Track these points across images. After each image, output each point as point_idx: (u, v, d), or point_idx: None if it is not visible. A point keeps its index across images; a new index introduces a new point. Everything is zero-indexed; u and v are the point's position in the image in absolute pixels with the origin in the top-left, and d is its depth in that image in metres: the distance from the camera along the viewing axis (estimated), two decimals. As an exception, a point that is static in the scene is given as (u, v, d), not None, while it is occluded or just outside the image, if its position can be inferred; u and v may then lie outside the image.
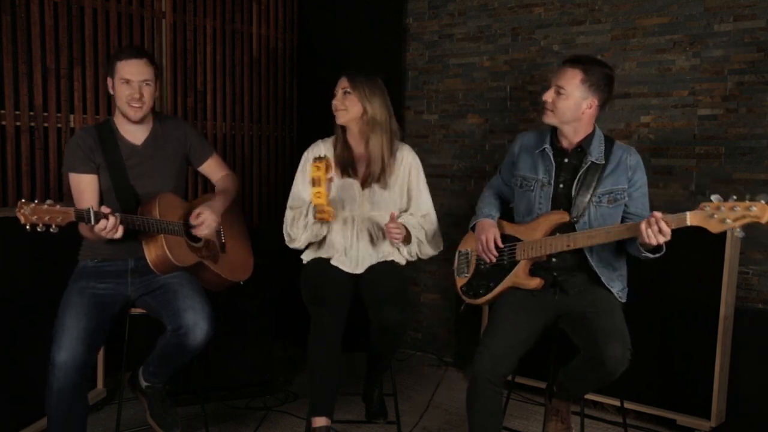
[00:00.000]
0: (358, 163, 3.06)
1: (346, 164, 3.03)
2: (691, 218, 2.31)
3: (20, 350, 3.01)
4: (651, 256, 2.52)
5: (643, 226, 2.37)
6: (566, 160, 2.71)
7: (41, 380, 2.56)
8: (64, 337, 2.55)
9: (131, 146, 2.82)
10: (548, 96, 2.65)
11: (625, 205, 2.68)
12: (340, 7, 4.39)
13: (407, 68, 4.64)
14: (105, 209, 2.51)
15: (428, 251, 3.10)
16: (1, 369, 2.94)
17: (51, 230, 2.37)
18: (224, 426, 3.40)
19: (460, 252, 2.99)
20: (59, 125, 3.64)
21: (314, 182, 2.78)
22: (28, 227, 2.33)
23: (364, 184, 3.03)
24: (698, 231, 3.23)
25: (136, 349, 3.07)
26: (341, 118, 3.01)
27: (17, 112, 3.47)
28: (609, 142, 2.71)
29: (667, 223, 2.34)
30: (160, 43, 4.07)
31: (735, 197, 2.26)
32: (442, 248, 3.14)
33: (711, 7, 3.49)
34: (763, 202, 2.20)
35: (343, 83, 3.01)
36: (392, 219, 2.90)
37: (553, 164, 2.71)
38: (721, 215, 2.26)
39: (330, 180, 2.85)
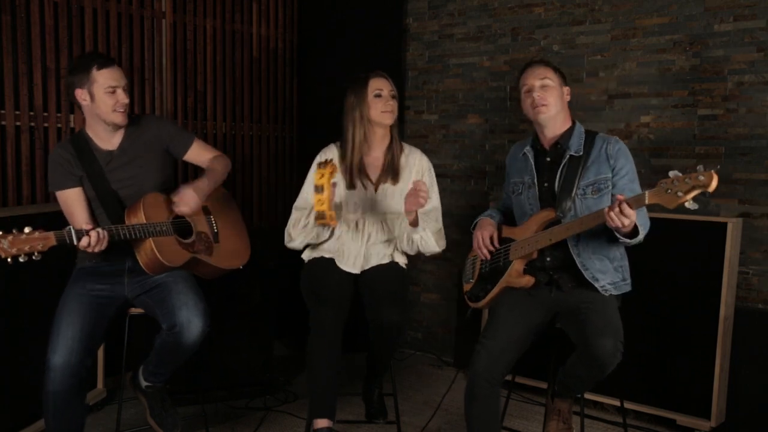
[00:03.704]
0: (371, 167, 3.05)
1: (361, 170, 3.02)
2: (649, 197, 2.30)
3: (20, 350, 3.01)
4: (628, 241, 2.52)
5: (606, 210, 2.37)
6: (547, 159, 2.78)
7: (41, 380, 2.56)
8: (59, 340, 2.55)
9: (107, 153, 2.78)
10: (539, 93, 2.73)
11: (612, 194, 2.66)
12: (340, 7, 4.39)
13: (407, 68, 4.64)
14: (86, 225, 2.49)
15: (431, 244, 2.99)
16: (1, 369, 2.94)
17: (34, 258, 2.33)
18: (224, 426, 3.40)
19: (468, 259, 3.05)
20: (59, 125, 3.64)
21: (317, 189, 2.73)
22: (9, 261, 2.29)
23: (378, 186, 3.03)
24: (698, 231, 3.27)
25: (136, 349, 3.07)
26: (390, 120, 3.01)
27: (17, 112, 3.47)
28: (590, 135, 2.77)
29: (629, 204, 2.33)
30: (160, 43, 4.07)
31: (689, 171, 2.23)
32: (444, 247, 3.09)
33: (711, 7, 3.49)
34: (711, 171, 2.16)
35: (389, 86, 3.02)
36: (416, 183, 2.82)
37: (534, 165, 2.79)
38: (674, 189, 2.22)
39: (334, 185, 2.77)
